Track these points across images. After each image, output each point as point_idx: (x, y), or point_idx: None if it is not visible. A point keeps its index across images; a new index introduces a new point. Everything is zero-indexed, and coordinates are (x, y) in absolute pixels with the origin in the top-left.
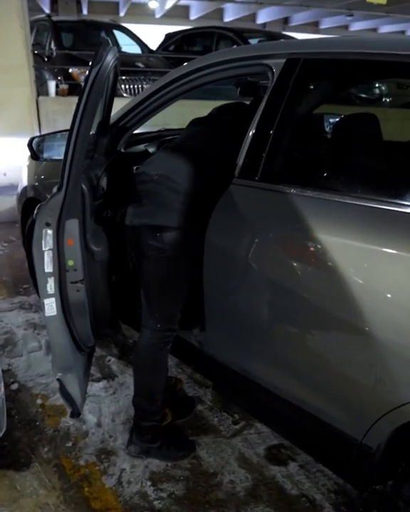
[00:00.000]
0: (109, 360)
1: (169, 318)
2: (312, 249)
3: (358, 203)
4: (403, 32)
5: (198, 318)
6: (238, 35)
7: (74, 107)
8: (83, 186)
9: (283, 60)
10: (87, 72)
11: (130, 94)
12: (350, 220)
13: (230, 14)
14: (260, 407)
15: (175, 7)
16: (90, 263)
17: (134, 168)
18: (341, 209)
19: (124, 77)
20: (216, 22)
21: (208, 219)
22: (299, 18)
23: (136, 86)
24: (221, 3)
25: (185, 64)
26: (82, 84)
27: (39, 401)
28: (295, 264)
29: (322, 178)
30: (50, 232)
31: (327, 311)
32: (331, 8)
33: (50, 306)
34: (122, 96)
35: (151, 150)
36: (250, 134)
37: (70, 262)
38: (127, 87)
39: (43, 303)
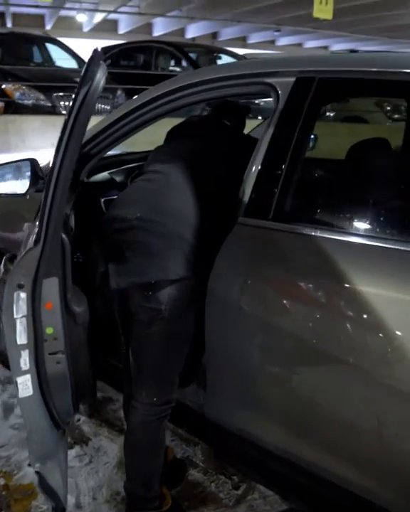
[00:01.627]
0: (79, 420)
1: (167, 389)
2: (344, 302)
3: (401, 248)
4: (326, 47)
5: (196, 375)
6: (178, 49)
7: (10, 126)
8: (63, 236)
9: (292, 79)
10: (76, 92)
11: None
12: (393, 270)
13: (160, 29)
14: (276, 478)
15: (103, 21)
16: (72, 328)
17: (102, 201)
18: (380, 255)
19: (61, 94)
20: (144, 36)
21: (209, 264)
22: (227, 32)
23: None
24: (150, 17)
25: (166, 81)
26: (69, 107)
27: (1, 481)
28: (320, 317)
29: (351, 217)
30: (23, 295)
31: (363, 371)
32: (261, 23)
33: (25, 385)
34: (60, 113)
35: (118, 179)
36: (257, 165)
37: (49, 330)
38: (66, 103)
39: (16, 381)
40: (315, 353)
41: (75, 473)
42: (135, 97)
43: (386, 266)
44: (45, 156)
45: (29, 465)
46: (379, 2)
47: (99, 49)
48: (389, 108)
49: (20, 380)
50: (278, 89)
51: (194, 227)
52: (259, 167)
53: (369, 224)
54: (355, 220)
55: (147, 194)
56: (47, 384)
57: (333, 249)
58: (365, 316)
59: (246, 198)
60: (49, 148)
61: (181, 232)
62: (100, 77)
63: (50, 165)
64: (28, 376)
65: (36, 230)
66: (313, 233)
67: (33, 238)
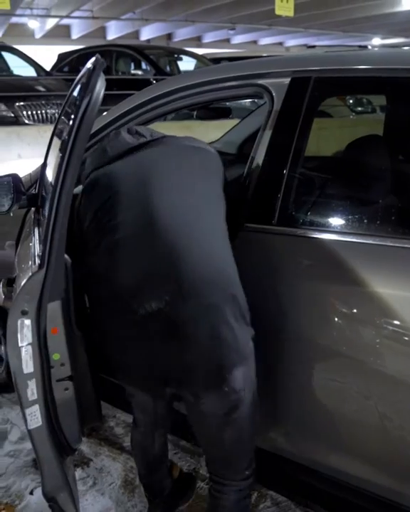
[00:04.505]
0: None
1: (253, 455)
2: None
3: None
4: (281, 43)
5: None
6: (138, 52)
7: None
8: (66, 257)
9: (286, 80)
10: (77, 105)
11: (33, 121)
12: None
13: (113, 32)
14: None
15: (56, 27)
16: (76, 351)
17: None
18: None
19: (22, 103)
20: (99, 40)
21: None
22: (182, 33)
23: (38, 111)
24: (104, 21)
25: (154, 86)
26: (67, 122)
27: None
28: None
29: (361, 217)
30: (27, 322)
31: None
32: (215, 22)
33: (34, 416)
34: (24, 123)
35: None
36: (257, 170)
37: (56, 356)
38: (29, 113)
39: (24, 413)
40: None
41: (80, 498)
42: (121, 102)
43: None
44: (13, 168)
45: (31, 493)
46: None
47: (100, 58)
48: (351, 101)
49: (28, 411)
50: (272, 90)
51: (234, 269)
52: (258, 171)
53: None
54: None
55: (160, 264)
56: (55, 412)
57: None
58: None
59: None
60: (15, 160)
61: (231, 289)
62: (100, 89)
63: (50, 182)
64: (36, 406)
65: (37, 252)
66: (321, 236)
67: (33, 261)
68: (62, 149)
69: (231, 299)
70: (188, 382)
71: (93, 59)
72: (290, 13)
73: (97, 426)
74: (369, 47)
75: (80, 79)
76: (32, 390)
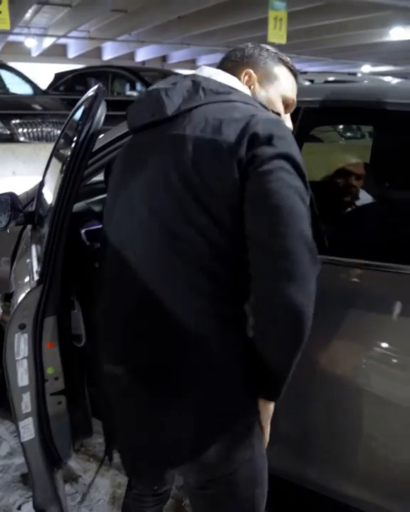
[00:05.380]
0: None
1: None
2: None
3: None
4: None
5: None
6: (133, 73)
7: None
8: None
9: None
10: (79, 130)
11: (29, 139)
12: None
13: (109, 52)
14: None
15: (53, 45)
16: (70, 366)
17: (83, 232)
18: None
19: (19, 121)
20: (94, 60)
21: None
22: (177, 55)
23: (34, 130)
24: (100, 41)
25: None
26: (73, 147)
27: None
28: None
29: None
30: (25, 336)
31: None
32: (210, 45)
33: (27, 429)
34: (20, 141)
35: (96, 209)
36: None
37: (50, 370)
38: (24, 131)
39: (17, 425)
40: None
41: None
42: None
43: None
44: (8, 185)
45: (19, 509)
46: (324, 26)
47: (102, 87)
48: (341, 127)
49: (22, 423)
50: None
51: None
52: None
53: None
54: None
55: None
56: (48, 425)
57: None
58: None
59: None
60: (10, 177)
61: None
62: (101, 115)
63: (51, 203)
64: (30, 419)
65: (35, 269)
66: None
67: (31, 277)
68: (64, 172)
69: None
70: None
71: (95, 87)
72: (283, 41)
73: (85, 442)
74: (359, 74)
75: (81, 104)
76: (26, 403)
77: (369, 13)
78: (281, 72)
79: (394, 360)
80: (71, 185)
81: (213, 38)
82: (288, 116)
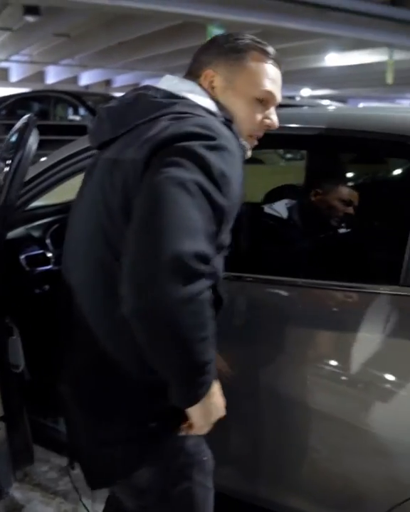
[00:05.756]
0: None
1: None
2: None
3: None
4: None
5: None
6: (76, 97)
7: None
8: None
9: None
10: (12, 157)
11: None
12: None
13: (52, 77)
14: None
15: None
16: (9, 391)
17: (22, 258)
18: None
19: None
20: (37, 84)
21: None
22: (121, 79)
23: None
24: (43, 65)
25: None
26: (5, 172)
27: None
28: None
29: None
30: None
31: None
32: (153, 70)
33: None
34: None
35: (35, 234)
36: None
37: None
38: None
39: None
40: None
41: None
42: (60, 149)
43: None
44: None
45: None
46: None
47: (33, 116)
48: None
49: None
50: None
51: None
52: None
53: None
54: None
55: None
56: None
57: None
58: None
59: None
60: None
61: None
62: (33, 143)
63: None
64: None
65: None
66: None
67: None
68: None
69: None
70: None
71: (27, 116)
72: None
73: (29, 471)
74: (297, 98)
75: (16, 129)
76: None
77: (304, 41)
78: (253, 67)
79: (333, 375)
80: (2, 215)
81: (154, 63)
82: (272, 110)
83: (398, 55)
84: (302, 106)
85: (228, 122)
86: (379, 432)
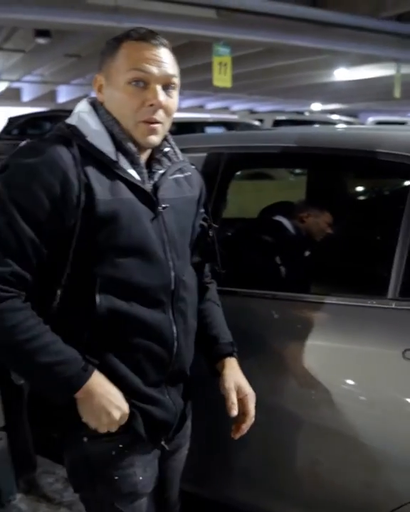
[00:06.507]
0: (15, 498)
1: None
2: None
3: None
4: (227, 108)
5: None
6: None
7: None
8: None
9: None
10: None
11: None
12: None
13: (64, 96)
14: None
15: (7, 89)
16: (11, 402)
17: None
18: None
19: None
20: (49, 104)
21: None
22: None
23: None
24: (54, 85)
25: None
26: None
27: None
28: None
29: None
30: None
31: None
32: None
33: None
34: None
35: None
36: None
37: None
38: None
39: None
40: None
41: None
42: None
43: None
44: None
45: None
46: (271, 68)
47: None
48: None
49: None
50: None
51: None
52: None
53: None
54: None
55: None
56: None
57: None
58: None
59: None
60: None
61: None
62: None
63: None
64: None
65: None
66: None
67: None
68: None
69: None
70: None
71: (24, 143)
72: (228, 84)
73: (35, 482)
74: (307, 113)
75: None
76: None
77: (311, 57)
78: (122, 53)
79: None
80: None
81: None
82: (156, 89)
83: (406, 70)
84: (311, 122)
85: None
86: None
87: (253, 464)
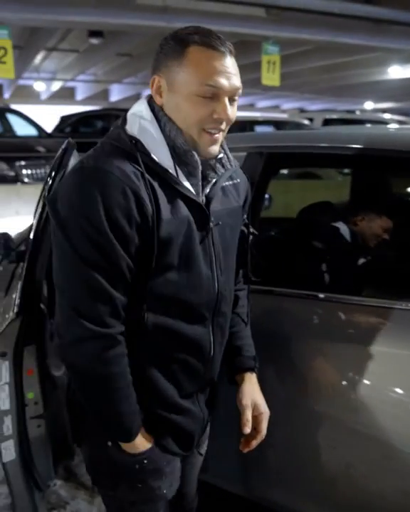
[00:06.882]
0: (55, 485)
1: None
2: None
3: None
4: (277, 106)
5: None
6: None
7: None
8: (41, 304)
9: (243, 153)
10: (51, 177)
11: (32, 180)
12: None
13: (116, 94)
14: None
15: (61, 89)
16: (51, 391)
17: None
18: None
19: (23, 163)
20: (102, 102)
21: None
22: None
23: (38, 171)
24: (107, 84)
25: None
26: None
27: None
28: None
29: None
30: (6, 363)
31: None
32: None
33: (8, 450)
34: (24, 182)
35: None
36: None
37: (30, 395)
38: (28, 172)
39: (0, 446)
40: None
41: None
42: None
43: None
44: (11, 224)
45: None
46: (320, 66)
47: (71, 141)
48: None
49: (4, 445)
50: None
51: None
52: None
53: None
54: None
55: None
56: (29, 447)
57: None
58: None
59: None
60: (13, 216)
61: None
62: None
63: (29, 239)
64: (11, 441)
65: (16, 302)
66: None
67: (12, 309)
68: (40, 215)
69: None
70: None
71: (66, 142)
72: (276, 83)
73: (73, 470)
74: (358, 112)
75: (58, 154)
76: (7, 426)
77: (364, 55)
78: (190, 60)
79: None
80: (42, 228)
81: None
82: (225, 102)
83: None
84: (362, 121)
85: (133, 142)
86: None
87: (291, 465)
